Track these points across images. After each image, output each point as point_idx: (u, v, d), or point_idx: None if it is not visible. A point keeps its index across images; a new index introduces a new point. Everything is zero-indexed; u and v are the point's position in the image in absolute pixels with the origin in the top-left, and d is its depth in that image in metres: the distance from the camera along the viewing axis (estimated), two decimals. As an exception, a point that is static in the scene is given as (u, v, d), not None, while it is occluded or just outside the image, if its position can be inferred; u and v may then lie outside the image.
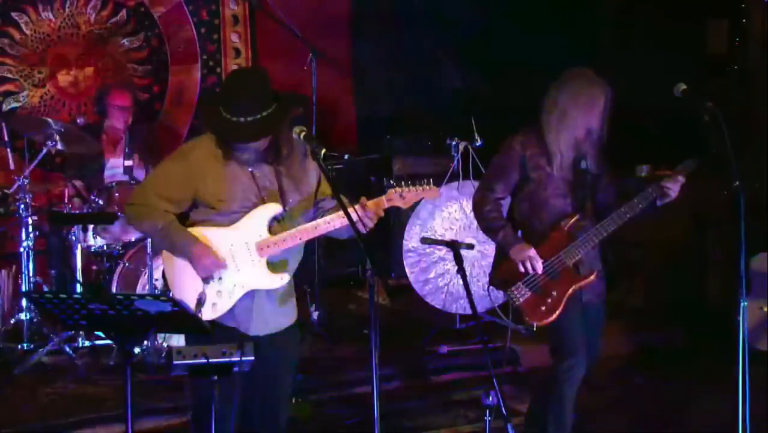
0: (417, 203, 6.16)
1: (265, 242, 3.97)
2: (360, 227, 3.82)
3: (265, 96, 3.90)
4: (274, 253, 3.99)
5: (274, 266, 4.01)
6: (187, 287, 3.97)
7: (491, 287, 4.80)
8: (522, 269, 4.61)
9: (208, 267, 3.94)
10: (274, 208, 3.99)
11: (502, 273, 4.69)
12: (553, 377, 4.74)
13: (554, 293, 4.61)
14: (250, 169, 3.98)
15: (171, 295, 3.99)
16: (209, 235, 3.97)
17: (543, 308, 4.61)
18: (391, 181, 3.92)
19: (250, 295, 4.00)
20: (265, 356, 4.00)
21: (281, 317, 4.12)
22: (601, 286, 4.77)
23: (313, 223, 3.99)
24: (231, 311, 3.98)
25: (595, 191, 4.71)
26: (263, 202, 3.99)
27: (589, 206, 4.70)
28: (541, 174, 4.65)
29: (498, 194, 4.73)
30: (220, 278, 3.97)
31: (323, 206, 4.13)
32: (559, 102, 4.61)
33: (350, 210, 3.79)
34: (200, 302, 3.88)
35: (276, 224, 4.00)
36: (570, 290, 4.62)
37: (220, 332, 3.88)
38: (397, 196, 4.01)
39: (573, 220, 4.63)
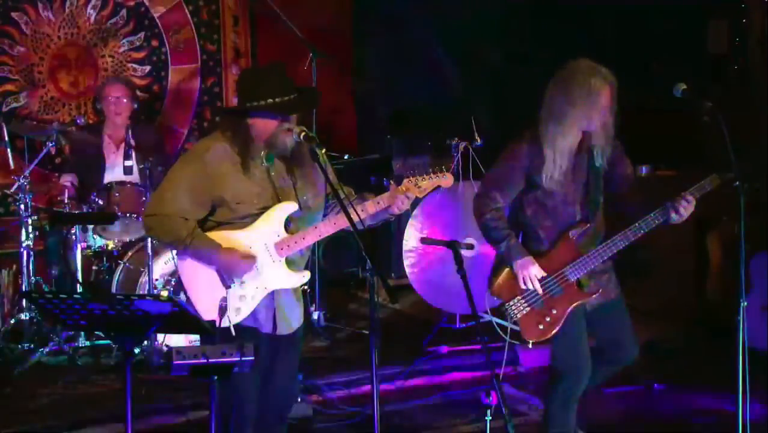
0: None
1: (284, 242, 3.97)
2: (395, 209, 3.98)
3: (290, 79, 4.00)
4: (294, 251, 3.99)
5: (293, 264, 4.02)
6: (207, 295, 3.96)
7: (488, 294, 4.60)
8: (522, 285, 4.43)
9: (240, 270, 3.93)
10: (289, 207, 3.99)
11: (502, 284, 4.51)
12: (551, 386, 4.65)
13: (554, 311, 4.44)
14: (265, 165, 3.98)
15: (185, 297, 4.00)
16: (227, 238, 3.96)
17: (541, 326, 4.45)
18: (392, 176, 3.96)
19: (271, 295, 4.01)
20: (284, 353, 4.05)
21: (297, 315, 4.15)
22: (612, 285, 4.59)
23: (333, 219, 4.00)
24: (253, 312, 3.99)
25: (609, 186, 4.51)
26: (279, 200, 3.99)
27: (601, 213, 4.51)
28: (553, 182, 4.43)
29: (499, 203, 4.49)
30: (242, 282, 3.97)
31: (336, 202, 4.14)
32: (554, 106, 4.38)
33: (351, 211, 3.80)
34: (223, 308, 3.88)
35: (292, 223, 4.01)
36: (571, 308, 4.45)
37: (241, 334, 3.88)
38: (412, 186, 4.03)
39: (582, 230, 4.46)
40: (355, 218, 3.77)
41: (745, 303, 4.17)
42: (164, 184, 4.07)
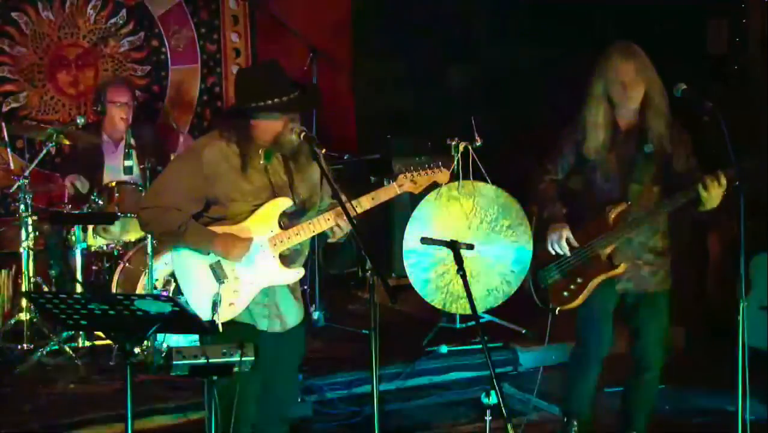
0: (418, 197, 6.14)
1: (278, 237, 3.98)
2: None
3: (288, 77, 4.00)
4: (288, 247, 3.99)
5: (287, 260, 4.02)
6: (200, 289, 3.96)
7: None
8: (549, 248, 4.64)
9: (237, 252, 3.92)
10: (284, 203, 3.99)
11: (540, 252, 4.76)
12: (571, 352, 4.91)
13: (579, 280, 4.63)
14: (263, 163, 3.98)
15: (184, 298, 3.99)
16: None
17: (566, 293, 4.66)
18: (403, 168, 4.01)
19: (266, 292, 4.00)
20: (284, 353, 4.05)
21: (294, 314, 4.14)
22: (655, 279, 4.70)
23: (326, 215, 3.99)
24: (248, 309, 3.99)
25: (661, 178, 4.61)
26: (274, 196, 3.99)
27: (647, 194, 4.60)
28: (595, 157, 4.60)
29: (552, 174, 4.74)
30: (236, 277, 3.96)
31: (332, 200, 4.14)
32: (587, 81, 4.62)
33: (349, 207, 3.80)
34: (216, 303, 3.88)
35: (286, 219, 4.01)
36: (597, 279, 4.62)
37: (237, 330, 3.89)
38: (408, 182, 4.04)
39: (620, 208, 4.57)
40: (352, 214, 3.78)
41: (745, 303, 4.17)
42: (160, 179, 4.11)
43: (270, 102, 3.89)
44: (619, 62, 4.51)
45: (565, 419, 5.02)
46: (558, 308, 4.69)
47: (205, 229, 3.96)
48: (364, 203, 4.00)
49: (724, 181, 4.36)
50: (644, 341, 4.77)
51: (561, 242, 4.60)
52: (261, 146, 3.97)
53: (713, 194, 4.38)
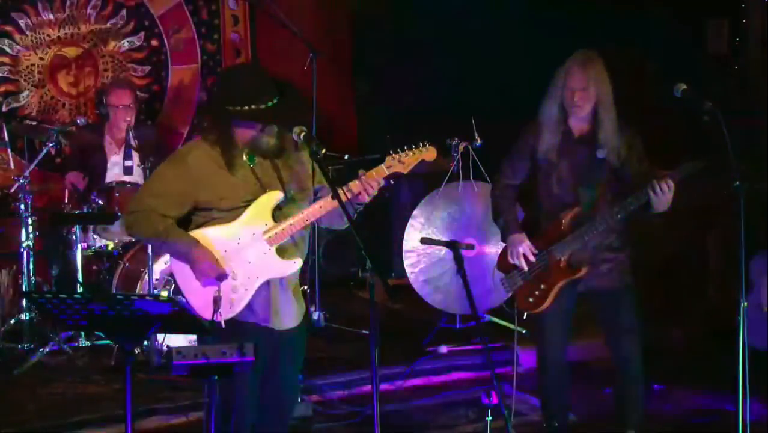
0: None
1: (272, 230, 3.98)
2: (363, 196, 3.95)
3: (271, 81, 3.97)
4: (283, 239, 4.00)
5: (284, 252, 4.02)
6: (200, 288, 3.96)
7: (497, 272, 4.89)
8: (510, 260, 4.71)
9: (206, 272, 3.93)
10: (276, 196, 4.00)
11: (502, 257, 4.81)
12: (538, 362, 4.93)
13: (542, 286, 4.69)
14: (250, 165, 4.00)
15: (183, 298, 3.99)
16: (214, 233, 3.97)
17: (531, 299, 4.72)
18: (390, 151, 4.02)
19: (266, 287, 4.01)
20: (284, 353, 4.04)
21: (296, 311, 4.15)
22: (616, 275, 4.72)
23: (319, 203, 4.00)
24: (249, 305, 3.99)
25: (614, 182, 4.67)
26: (264, 192, 4.00)
27: (600, 198, 4.65)
28: (547, 161, 4.67)
29: (509, 180, 4.81)
30: (233, 272, 3.97)
31: (322, 193, 4.14)
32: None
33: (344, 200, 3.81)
34: (217, 301, 3.88)
35: (279, 212, 4.02)
36: (559, 284, 4.68)
37: (239, 329, 3.89)
38: (396, 162, 4.05)
39: (573, 213, 4.64)
40: (344, 201, 3.79)
41: (745, 303, 4.17)
42: (146, 184, 4.20)
43: (245, 108, 3.89)
44: (573, 70, 4.59)
45: (546, 423, 4.98)
46: (525, 313, 4.76)
47: (186, 237, 3.96)
48: (354, 189, 3.99)
49: (672, 184, 4.43)
50: (616, 338, 4.78)
51: (520, 259, 4.68)
52: (243, 148, 3.98)
53: (663, 198, 4.44)
